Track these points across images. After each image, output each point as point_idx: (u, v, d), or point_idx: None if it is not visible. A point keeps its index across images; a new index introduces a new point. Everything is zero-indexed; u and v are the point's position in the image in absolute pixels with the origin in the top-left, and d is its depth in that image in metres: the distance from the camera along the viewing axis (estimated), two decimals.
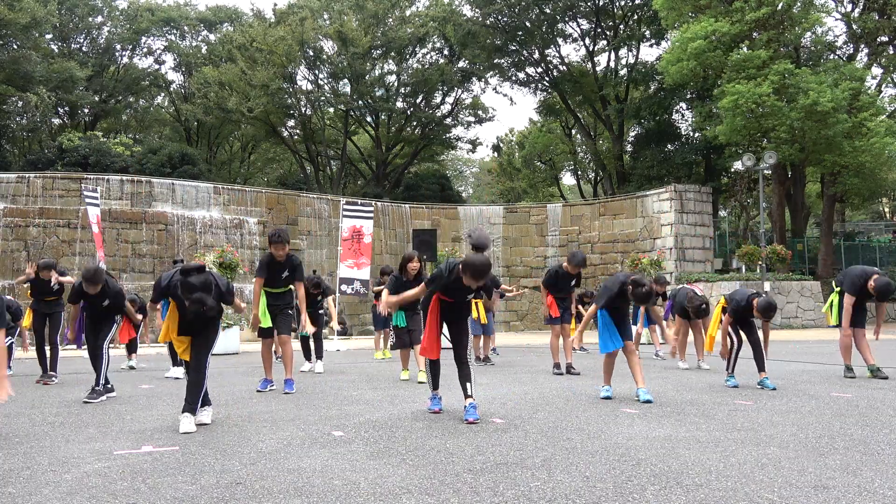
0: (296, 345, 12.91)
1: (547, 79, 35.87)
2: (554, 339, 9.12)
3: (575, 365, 9.12)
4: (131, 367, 10.52)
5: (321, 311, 9.89)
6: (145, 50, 40.71)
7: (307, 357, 9.87)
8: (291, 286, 7.41)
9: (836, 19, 32.33)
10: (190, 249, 21.70)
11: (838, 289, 8.06)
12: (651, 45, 34.71)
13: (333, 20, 34.14)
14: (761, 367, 7.11)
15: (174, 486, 3.39)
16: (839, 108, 21.65)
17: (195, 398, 5.00)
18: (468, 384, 5.37)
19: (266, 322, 7.18)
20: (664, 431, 4.68)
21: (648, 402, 6.02)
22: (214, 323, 5.21)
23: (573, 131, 40.22)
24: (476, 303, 10.72)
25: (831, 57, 27.15)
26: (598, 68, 35.19)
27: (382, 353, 12.44)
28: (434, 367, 5.69)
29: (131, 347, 10.83)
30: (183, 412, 4.96)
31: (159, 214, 22.77)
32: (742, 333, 7.35)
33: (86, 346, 7.23)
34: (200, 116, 36.74)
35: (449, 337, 5.61)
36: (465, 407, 5.29)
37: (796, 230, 28.28)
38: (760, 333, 7.25)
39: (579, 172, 42.16)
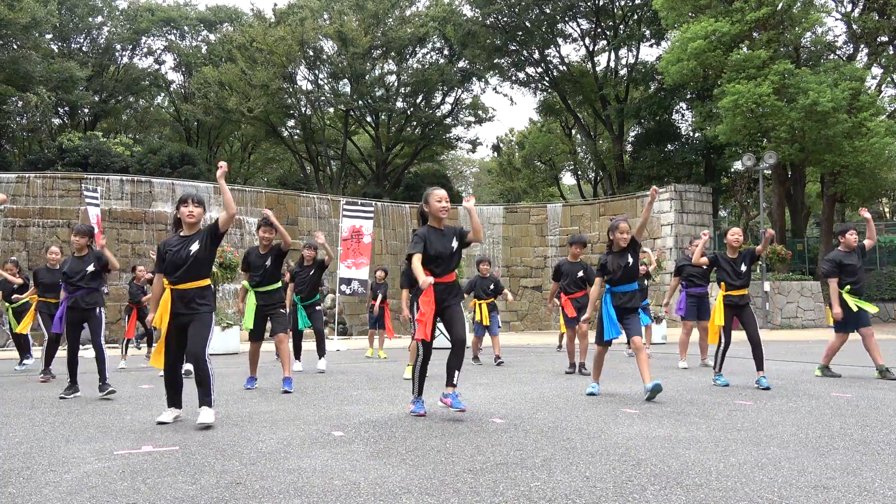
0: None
1: (547, 79, 35.88)
2: (569, 343, 9.10)
3: (588, 365, 9.03)
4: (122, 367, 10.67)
5: (318, 308, 9.79)
6: (145, 50, 40.74)
7: (297, 357, 9.69)
8: (280, 283, 7.50)
9: (836, 19, 32.35)
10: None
11: (847, 289, 8.01)
12: (651, 45, 34.77)
13: (333, 20, 34.14)
14: (759, 367, 7.14)
15: (174, 486, 3.39)
16: (839, 108, 21.66)
17: (208, 391, 5.10)
18: (456, 372, 5.29)
19: (249, 324, 7.35)
20: (664, 431, 4.68)
21: (657, 387, 6.03)
22: (204, 316, 5.16)
23: (573, 131, 40.23)
24: (480, 304, 10.75)
25: (831, 57, 27.16)
26: (598, 68, 35.23)
27: (371, 351, 12.64)
28: (423, 367, 5.41)
29: (149, 342, 11.17)
30: (200, 406, 5.09)
31: (159, 214, 22.77)
32: (736, 331, 7.39)
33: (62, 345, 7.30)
34: (200, 116, 36.75)
35: (444, 327, 5.45)
36: (450, 395, 5.22)
37: (796, 230, 28.29)
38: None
39: (579, 172, 42.17)
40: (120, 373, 9.95)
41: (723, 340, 7.34)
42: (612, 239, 6.51)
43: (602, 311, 6.44)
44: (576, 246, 8.96)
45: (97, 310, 7.11)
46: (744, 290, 7.33)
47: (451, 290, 5.40)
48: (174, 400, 5.30)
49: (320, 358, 9.61)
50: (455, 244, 5.38)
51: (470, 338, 11.83)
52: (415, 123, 37.62)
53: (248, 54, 33.84)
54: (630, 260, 6.42)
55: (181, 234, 5.24)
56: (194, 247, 5.14)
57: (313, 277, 9.45)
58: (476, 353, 10.87)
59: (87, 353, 13.72)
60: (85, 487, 3.41)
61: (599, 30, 34.13)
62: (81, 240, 7.23)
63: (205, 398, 5.08)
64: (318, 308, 9.72)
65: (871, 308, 7.99)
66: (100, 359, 6.95)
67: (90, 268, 7.12)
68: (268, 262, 7.31)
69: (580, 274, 8.90)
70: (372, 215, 17.36)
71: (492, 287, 10.78)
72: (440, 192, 5.49)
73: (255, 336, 7.54)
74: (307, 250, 9.63)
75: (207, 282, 5.25)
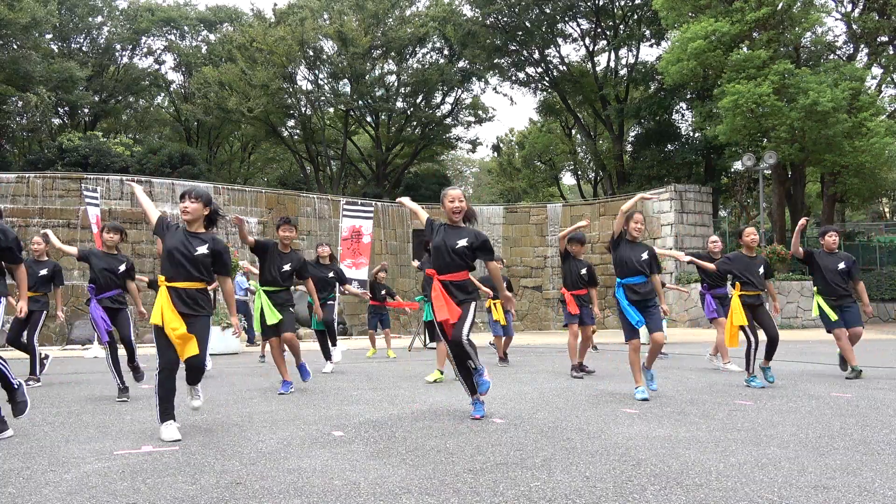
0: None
1: (547, 79, 35.87)
2: (572, 339, 8.85)
3: (587, 363, 8.97)
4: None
5: (330, 303, 9.76)
6: (145, 50, 40.69)
7: (326, 357, 9.43)
8: (291, 287, 7.34)
9: (836, 19, 32.37)
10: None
11: (815, 289, 8.10)
12: (651, 45, 34.75)
13: (333, 20, 34.13)
14: (768, 357, 7.24)
15: (174, 486, 3.39)
16: (839, 108, 21.64)
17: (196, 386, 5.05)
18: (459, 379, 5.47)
19: (273, 318, 6.90)
20: (664, 431, 4.68)
21: (645, 399, 6.12)
22: (205, 319, 4.87)
23: (573, 131, 40.21)
24: (495, 304, 10.69)
25: (831, 57, 27.15)
26: (598, 68, 35.21)
27: (373, 351, 12.60)
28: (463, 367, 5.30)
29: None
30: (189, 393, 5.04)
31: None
32: (758, 331, 7.33)
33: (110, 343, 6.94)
34: (200, 116, 36.73)
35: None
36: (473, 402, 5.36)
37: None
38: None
39: (579, 172, 42.16)
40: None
41: (751, 340, 7.24)
42: (626, 228, 6.49)
43: (619, 310, 6.39)
44: (574, 243, 8.88)
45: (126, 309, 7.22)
46: (759, 290, 7.34)
47: (456, 288, 5.27)
48: (171, 411, 4.74)
49: (329, 358, 9.37)
50: (463, 243, 5.23)
51: (490, 338, 11.74)
52: (415, 123, 37.61)
53: (248, 54, 33.81)
54: (644, 255, 6.40)
55: (187, 230, 4.91)
56: (201, 249, 4.84)
57: (332, 278, 9.65)
58: (500, 353, 10.62)
59: (85, 353, 13.73)
60: (85, 487, 3.41)
61: (599, 30, 34.11)
62: (115, 236, 7.11)
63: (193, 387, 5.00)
64: (329, 303, 9.71)
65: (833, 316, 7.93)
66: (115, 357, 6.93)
67: (122, 266, 7.10)
68: (286, 268, 7.08)
69: (583, 272, 8.80)
70: (371, 215, 17.36)
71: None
72: (453, 193, 5.43)
73: (272, 332, 7.08)
74: (323, 248, 9.75)
75: (204, 285, 4.91)
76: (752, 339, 7.25)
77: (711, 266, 8.40)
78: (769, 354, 7.27)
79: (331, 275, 9.68)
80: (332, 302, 9.80)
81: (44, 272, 8.35)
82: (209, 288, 5.04)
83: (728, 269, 7.51)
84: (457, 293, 5.24)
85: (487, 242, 5.34)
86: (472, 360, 5.17)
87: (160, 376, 4.67)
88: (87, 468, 3.80)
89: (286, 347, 7.24)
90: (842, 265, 7.95)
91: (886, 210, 44.36)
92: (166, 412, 4.66)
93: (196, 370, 4.85)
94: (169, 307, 4.70)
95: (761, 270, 7.35)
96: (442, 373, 8.08)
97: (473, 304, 5.37)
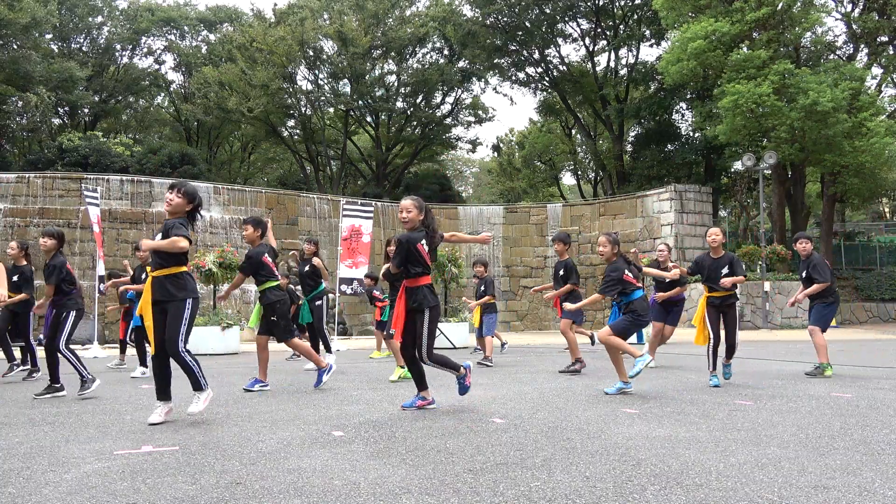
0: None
1: (547, 79, 35.89)
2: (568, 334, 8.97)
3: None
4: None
5: (318, 303, 9.74)
6: (145, 50, 40.72)
7: (327, 349, 9.61)
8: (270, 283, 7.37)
9: (836, 19, 32.38)
10: (190, 249, 21.71)
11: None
12: (651, 45, 34.78)
13: (333, 20, 34.14)
14: (728, 356, 7.45)
15: (174, 486, 3.39)
16: (839, 108, 21.65)
17: (195, 378, 5.19)
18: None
19: (254, 321, 7.42)
20: (664, 431, 4.68)
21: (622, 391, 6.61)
22: (178, 304, 5.11)
23: (573, 131, 40.23)
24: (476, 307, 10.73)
25: (831, 57, 27.16)
26: (598, 68, 35.24)
27: (378, 352, 12.53)
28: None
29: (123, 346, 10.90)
30: (194, 391, 5.24)
31: (159, 214, 22.76)
32: (721, 330, 7.46)
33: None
34: (200, 116, 36.74)
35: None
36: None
37: (796, 230, 28.25)
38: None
39: (579, 172, 42.17)
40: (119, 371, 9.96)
41: (711, 339, 7.35)
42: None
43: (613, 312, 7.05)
44: (555, 243, 8.81)
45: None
46: (725, 292, 7.29)
47: (408, 295, 5.63)
48: (163, 392, 5.24)
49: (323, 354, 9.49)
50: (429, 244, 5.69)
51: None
52: (415, 123, 37.62)
53: (248, 54, 33.83)
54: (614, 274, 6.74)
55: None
56: (158, 236, 5.22)
57: (307, 272, 9.61)
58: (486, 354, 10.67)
59: (85, 353, 13.74)
60: (85, 487, 3.41)
61: (599, 30, 34.13)
62: (50, 241, 7.08)
63: (194, 385, 5.20)
64: (317, 304, 9.68)
65: None
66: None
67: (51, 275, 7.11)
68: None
69: (561, 272, 8.73)
70: (371, 215, 17.37)
71: (482, 289, 10.81)
72: (401, 203, 5.67)
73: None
74: (308, 245, 9.76)
75: (179, 269, 5.20)
76: (713, 336, 7.33)
77: (663, 273, 8.51)
78: (727, 354, 7.45)
79: (306, 269, 9.71)
80: (319, 302, 9.70)
81: (14, 278, 8.57)
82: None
83: (697, 272, 7.59)
84: (408, 300, 5.62)
85: (396, 246, 5.63)
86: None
87: (151, 359, 5.31)
88: (87, 468, 3.80)
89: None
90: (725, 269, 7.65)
91: (886, 210, 44.38)
92: (158, 392, 5.24)
93: (175, 362, 5.17)
94: (146, 296, 5.16)
95: (725, 270, 7.27)
96: (403, 367, 8.07)
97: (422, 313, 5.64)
